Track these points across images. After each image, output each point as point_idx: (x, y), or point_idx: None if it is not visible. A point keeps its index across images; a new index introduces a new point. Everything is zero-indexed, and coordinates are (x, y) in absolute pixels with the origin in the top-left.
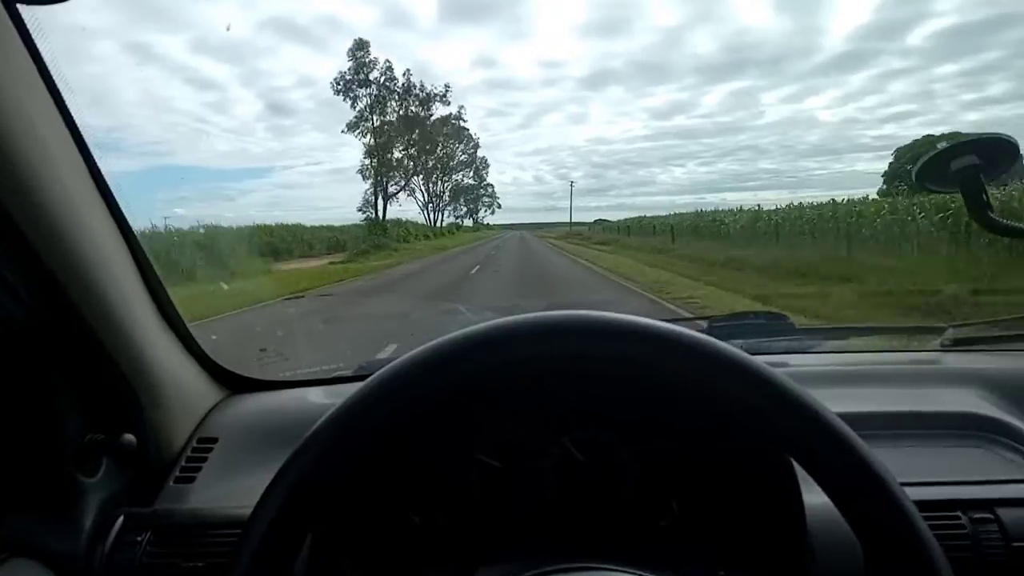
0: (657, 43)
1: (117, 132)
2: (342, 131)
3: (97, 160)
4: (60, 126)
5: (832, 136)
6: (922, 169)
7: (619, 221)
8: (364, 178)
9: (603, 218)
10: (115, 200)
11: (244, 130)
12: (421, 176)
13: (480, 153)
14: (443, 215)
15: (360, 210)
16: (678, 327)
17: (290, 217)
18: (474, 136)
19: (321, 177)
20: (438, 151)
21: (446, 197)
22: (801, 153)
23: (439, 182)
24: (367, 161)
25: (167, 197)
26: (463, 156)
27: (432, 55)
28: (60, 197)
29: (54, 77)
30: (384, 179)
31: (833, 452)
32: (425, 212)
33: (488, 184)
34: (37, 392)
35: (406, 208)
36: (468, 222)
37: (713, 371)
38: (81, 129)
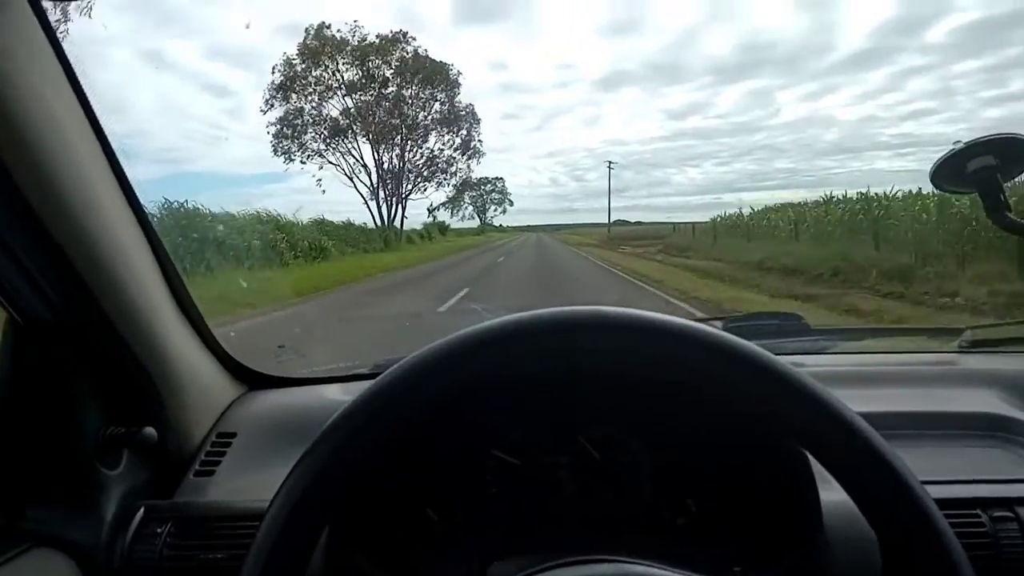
0: (671, 44)
1: (132, 139)
2: None
3: (120, 159)
4: (84, 125)
5: (850, 135)
6: (938, 169)
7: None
8: None
9: (622, 219)
10: (137, 199)
11: (261, 135)
12: (364, 137)
13: (460, 98)
14: (402, 208)
15: None
16: (694, 323)
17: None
18: (452, 71)
19: (333, 182)
20: (389, 92)
21: (407, 181)
22: (819, 152)
23: (398, 150)
24: None
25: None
26: (438, 109)
27: (444, 59)
28: (83, 197)
29: (78, 76)
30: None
31: (851, 447)
32: (372, 203)
33: (497, 178)
34: (60, 386)
35: (339, 198)
36: (471, 222)
37: (729, 367)
38: (104, 128)
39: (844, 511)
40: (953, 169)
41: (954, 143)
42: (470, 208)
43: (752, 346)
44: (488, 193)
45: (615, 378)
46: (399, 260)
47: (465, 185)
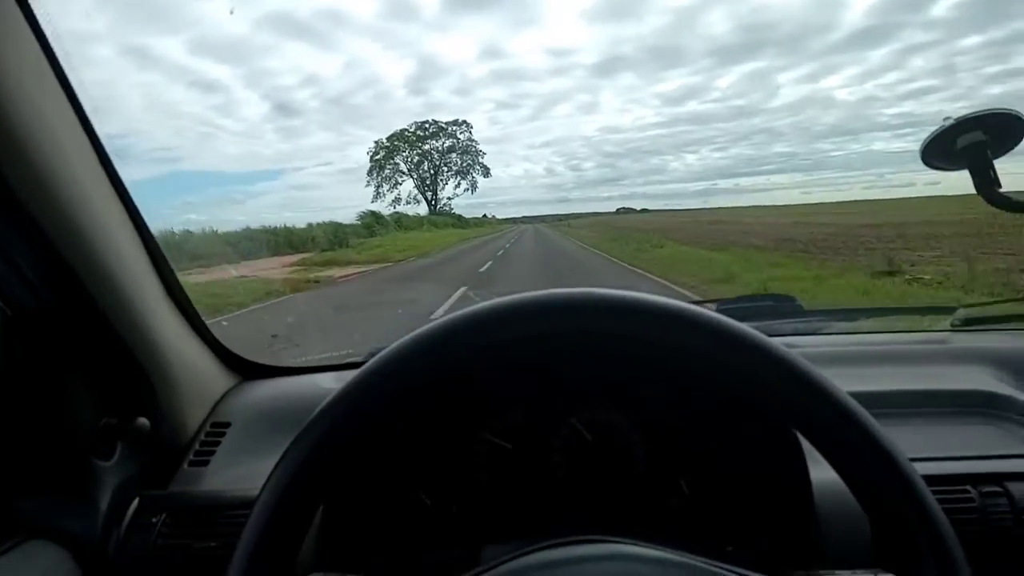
0: (669, 25)
1: (123, 139)
2: None
3: (109, 154)
4: (73, 121)
5: (849, 116)
6: (928, 147)
7: None
8: None
9: (627, 207)
10: (127, 192)
11: (253, 132)
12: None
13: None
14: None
15: None
16: (685, 304)
17: (300, 219)
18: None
19: (332, 177)
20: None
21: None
22: (817, 135)
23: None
24: None
25: (176, 203)
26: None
27: (438, 47)
28: (73, 189)
29: (67, 73)
30: None
31: (840, 426)
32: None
33: (456, 122)
34: (53, 378)
35: (337, 194)
36: (417, 208)
37: (720, 347)
38: (93, 124)
39: (834, 488)
40: (943, 146)
41: (944, 119)
42: (409, 182)
43: (742, 326)
44: (443, 154)
45: (607, 360)
46: None
47: (397, 141)
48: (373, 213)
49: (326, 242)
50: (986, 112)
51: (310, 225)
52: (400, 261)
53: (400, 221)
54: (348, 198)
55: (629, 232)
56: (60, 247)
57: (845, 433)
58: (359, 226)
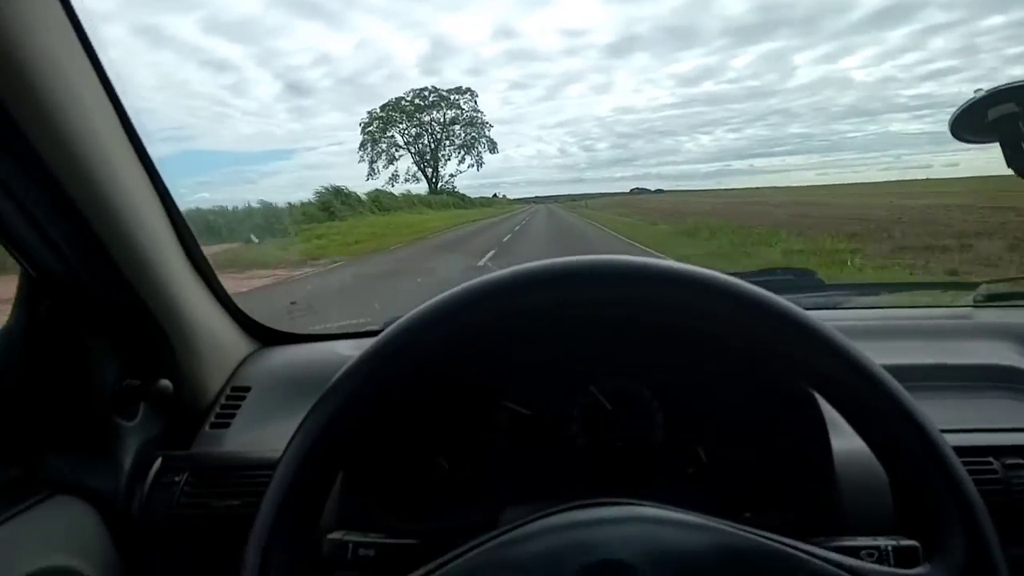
0: (684, 5)
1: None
2: None
3: (135, 126)
4: (97, 87)
5: (867, 97)
6: (958, 119)
7: None
8: None
9: (641, 187)
10: (152, 162)
11: (265, 112)
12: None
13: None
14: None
15: None
16: (712, 271)
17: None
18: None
19: (344, 157)
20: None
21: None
22: (833, 116)
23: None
24: None
25: (189, 182)
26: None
27: (451, 27)
28: (99, 156)
29: (89, 37)
30: None
31: (870, 394)
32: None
33: (459, 90)
34: (76, 338)
35: (346, 173)
36: (417, 186)
37: (748, 314)
38: (116, 90)
39: (854, 457)
40: (973, 119)
41: (975, 91)
42: (406, 156)
43: (772, 295)
44: (444, 126)
45: (627, 328)
46: None
47: (392, 111)
48: (337, 190)
49: (253, 230)
50: (1019, 83)
51: (290, 205)
52: (331, 265)
53: (379, 201)
54: (359, 176)
55: (697, 217)
56: (82, 210)
57: (872, 398)
58: (315, 206)
